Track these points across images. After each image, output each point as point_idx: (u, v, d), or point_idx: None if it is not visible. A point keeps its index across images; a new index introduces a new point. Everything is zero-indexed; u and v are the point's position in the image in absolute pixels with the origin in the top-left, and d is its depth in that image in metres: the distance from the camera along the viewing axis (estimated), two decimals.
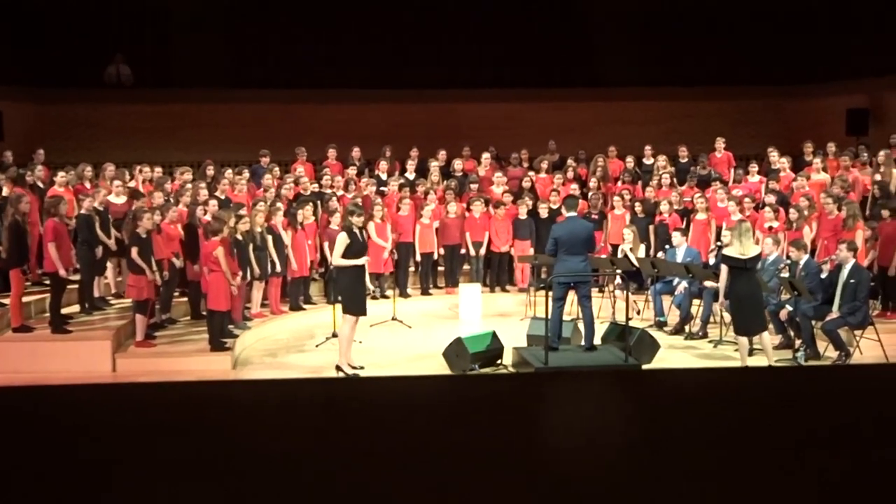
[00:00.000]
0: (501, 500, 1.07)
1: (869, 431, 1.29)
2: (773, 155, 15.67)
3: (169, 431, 1.31)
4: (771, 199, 13.52)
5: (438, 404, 1.44)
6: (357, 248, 10.39)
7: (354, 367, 10.61)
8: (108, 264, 12.71)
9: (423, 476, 1.15)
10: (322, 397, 1.51)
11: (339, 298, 10.78)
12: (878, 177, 14.03)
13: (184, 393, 1.51)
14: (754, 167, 15.64)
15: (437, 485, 1.13)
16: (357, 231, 10.41)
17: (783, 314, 11.07)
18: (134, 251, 10.80)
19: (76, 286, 12.13)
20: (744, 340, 10.27)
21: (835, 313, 10.73)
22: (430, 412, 1.40)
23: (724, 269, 10.28)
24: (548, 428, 1.30)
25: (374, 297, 14.01)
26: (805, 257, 11.27)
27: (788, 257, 11.65)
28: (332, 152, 16.51)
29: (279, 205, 13.16)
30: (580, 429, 1.30)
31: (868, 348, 10.71)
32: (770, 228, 12.76)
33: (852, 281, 10.70)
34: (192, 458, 1.21)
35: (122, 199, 12.95)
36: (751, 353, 10.49)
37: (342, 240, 10.27)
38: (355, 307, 10.39)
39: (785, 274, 11.29)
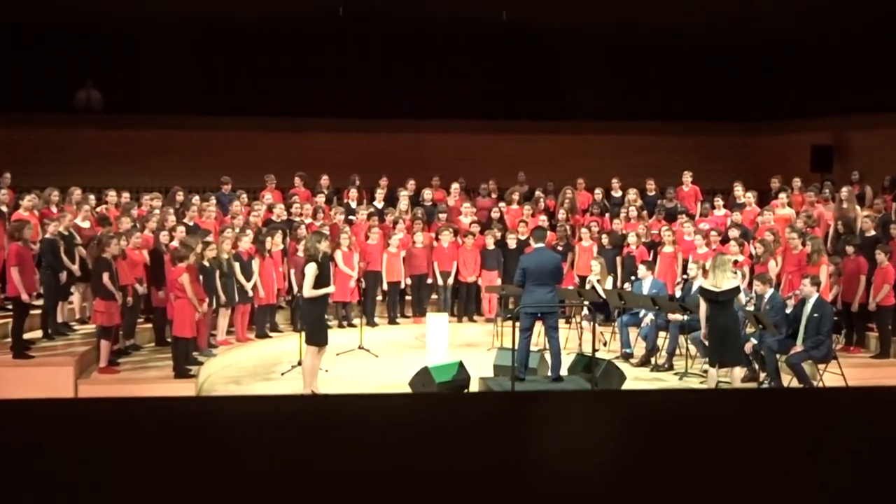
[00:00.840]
0: None
1: (843, 452, 1.30)
2: (738, 189, 15.85)
3: (131, 450, 1.28)
4: (735, 232, 13.66)
5: (416, 422, 1.43)
6: (325, 277, 10.38)
7: None
8: (74, 290, 12.58)
9: (403, 494, 1.14)
10: (296, 414, 1.49)
11: (303, 328, 10.74)
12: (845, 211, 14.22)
13: (147, 409, 1.49)
14: (720, 201, 15.80)
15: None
16: (324, 259, 10.40)
17: (748, 347, 11.14)
18: (105, 276, 10.70)
19: (39, 311, 11.98)
20: (713, 372, 10.33)
21: (799, 347, 10.83)
22: (409, 429, 1.39)
23: (701, 301, 10.40)
24: (531, 446, 1.30)
25: (340, 326, 14.00)
26: (770, 291, 11.37)
27: (753, 291, 11.75)
28: (297, 180, 16.47)
29: (248, 231, 13.11)
30: (562, 446, 1.30)
31: (831, 382, 10.80)
32: (735, 262, 12.87)
33: (816, 315, 10.81)
34: (155, 478, 1.19)
35: (89, 224, 12.84)
36: (717, 386, 10.54)
37: (312, 270, 10.21)
38: (319, 338, 10.35)
39: (750, 307, 11.38)
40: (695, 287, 12.37)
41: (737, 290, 10.23)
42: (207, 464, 1.24)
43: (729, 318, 10.14)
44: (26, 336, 11.32)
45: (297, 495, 1.14)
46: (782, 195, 15.10)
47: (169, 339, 11.49)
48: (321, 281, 10.34)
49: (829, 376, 10.88)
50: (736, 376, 10.28)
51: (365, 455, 1.27)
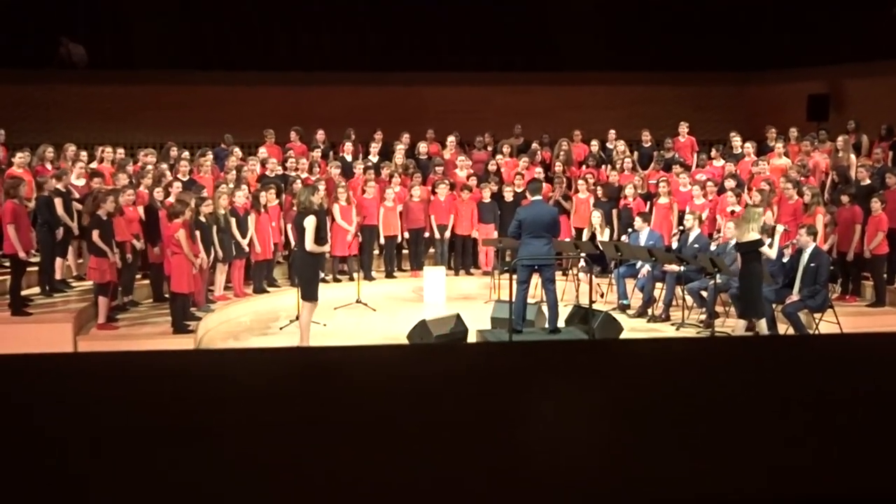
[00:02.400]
0: (480, 477, 1.07)
1: (841, 397, 1.31)
2: (736, 140, 15.80)
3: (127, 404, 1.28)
4: (731, 183, 13.65)
5: (414, 377, 1.43)
6: (323, 231, 10.34)
7: None
8: (71, 247, 12.57)
9: (401, 450, 1.14)
10: (293, 366, 1.49)
11: (299, 283, 10.75)
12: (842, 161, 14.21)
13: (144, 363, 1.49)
14: (716, 151, 15.76)
15: (418, 460, 1.12)
16: (320, 213, 10.36)
17: None
18: (95, 234, 10.67)
19: (36, 268, 11.98)
20: (740, 323, 10.38)
21: (795, 296, 10.88)
22: (405, 383, 1.40)
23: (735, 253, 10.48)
24: (524, 400, 1.30)
25: (337, 280, 14.03)
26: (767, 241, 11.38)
27: None
28: (293, 135, 16.40)
29: (243, 186, 13.08)
30: (557, 400, 1.30)
31: (827, 331, 10.87)
32: (732, 213, 12.87)
33: (812, 265, 10.84)
34: (154, 431, 1.19)
35: (83, 181, 12.79)
36: None
37: (312, 223, 10.15)
38: (314, 293, 10.34)
39: None
40: (691, 238, 12.40)
41: (758, 243, 10.17)
42: (202, 417, 1.24)
43: (752, 271, 10.12)
44: (24, 293, 11.33)
45: (289, 447, 1.14)
46: (778, 145, 15.06)
47: (167, 295, 11.50)
48: (319, 234, 10.31)
49: (825, 325, 10.95)
50: (762, 330, 10.29)
51: (359, 405, 1.28)
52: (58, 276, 12.29)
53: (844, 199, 12.40)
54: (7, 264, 11.36)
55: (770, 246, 10.39)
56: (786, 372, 1.43)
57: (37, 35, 19.39)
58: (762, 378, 1.40)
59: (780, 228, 11.07)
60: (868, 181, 13.03)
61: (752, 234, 10.12)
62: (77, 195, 12.36)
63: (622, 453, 1.12)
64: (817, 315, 10.93)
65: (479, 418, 1.20)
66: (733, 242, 11.82)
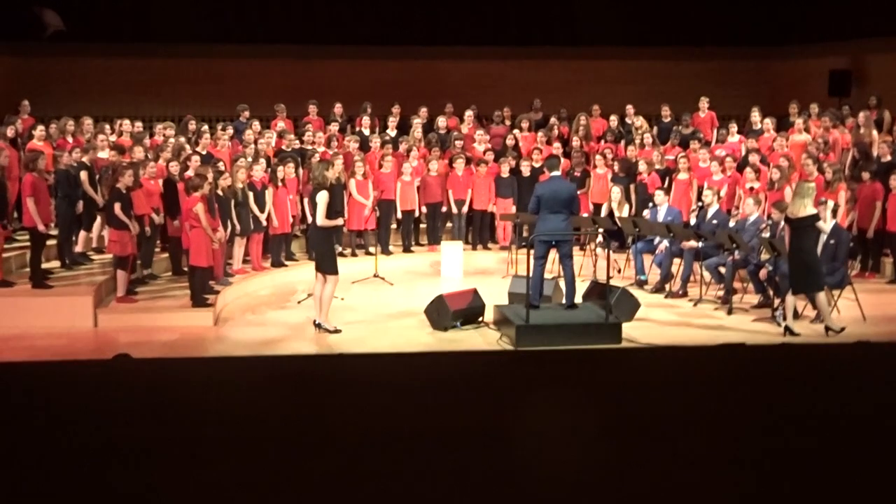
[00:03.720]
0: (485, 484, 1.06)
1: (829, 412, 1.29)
2: (755, 115, 15.68)
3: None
4: (755, 158, 13.55)
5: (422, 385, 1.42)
6: (337, 205, 10.33)
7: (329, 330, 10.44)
8: (98, 219, 12.62)
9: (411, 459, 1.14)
10: (306, 375, 1.48)
11: (314, 257, 10.77)
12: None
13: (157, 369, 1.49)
14: (734, 127, 15.66)
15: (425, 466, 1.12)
16: (334, 187, 10.33)
17: (762, 274, 11.15)
18: (117, 206, 10.73)
19: (55, 241, 12.05)
20: (790, 300, 10.28)
21: None
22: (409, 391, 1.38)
23: (786, 229, 10.40)
24: (529, 408, 1.30)
25: (354, 255, 14.06)
26: None
27: (769, 217, 11.72)
28: (312, 108, 16.39)
29: (261, 160, 13.10)
30: (560, 409, 1.29)
31: (846, 308, 10.83)
32: (751, 189, 12.80)
33: (832, 242, 10.77)
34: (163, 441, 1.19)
35: (105, 154, 12.84)
36: (797, 315, 10.50)
37: (324, 198, 10.16)
38: (330, 266, 10.32)
39: (766, 234, 11.37)
40: (710, 214, 12.34)
41: (814, 217, 10.08)
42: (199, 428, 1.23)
43: (805, 247, 10.04)
44: (44, 266, 11.39)
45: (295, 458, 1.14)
46: (798, 121, 14.95)
47: (185, 269, 11.56)
48: (333, 209, 10.32)
49: (844, 302, 10.90)
50: (821, 304, 10.20)
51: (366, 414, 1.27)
52: (79, 249, 12.36)
53: (865, 175, 12.32)
54: (24, 238, 11.41)
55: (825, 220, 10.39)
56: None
57: (59, 6, 19.34)
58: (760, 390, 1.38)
59: (830, 204, 10.99)
60: (889, 157, 12.92)
61: (809, 209, 10.02)
62: (96, 169, 12.41)
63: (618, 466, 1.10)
64: (836, 292, 10.87)
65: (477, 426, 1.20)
66: (754, 218, 11.78)
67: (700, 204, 12.87)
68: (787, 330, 10.10)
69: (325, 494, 1.03)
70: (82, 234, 12.45)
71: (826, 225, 10.48)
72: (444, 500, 1.03)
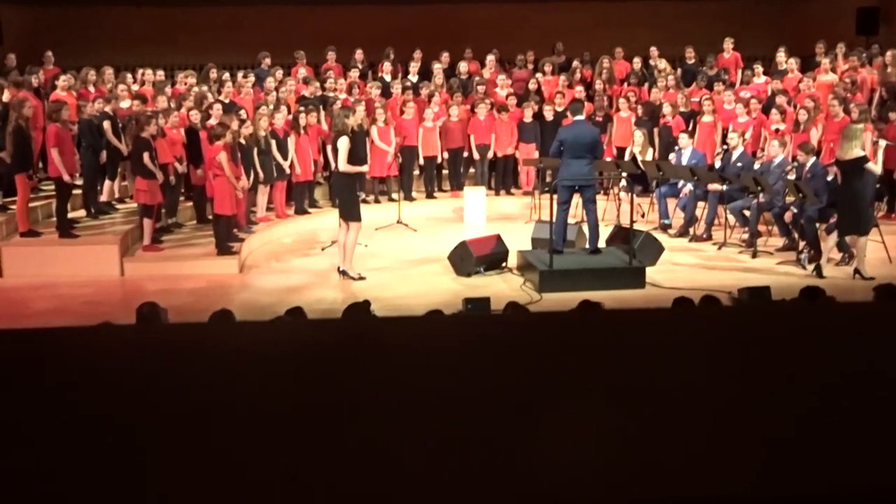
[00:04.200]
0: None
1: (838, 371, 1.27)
2: (781, 55, 15.45)
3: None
4: (781, 99, 13.38)
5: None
6: (360, 152, 10.31)
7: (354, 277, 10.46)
8: (119, 168, 12.68)
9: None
10: (327, 339, 1.46)
11: (337, 204, 10.79)
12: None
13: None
14: (759, 68, 15.45)
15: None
16: (356, 133, 10.31)
17: (788, 216, 11.08)
18: (146, 156, 10.80)
19: (80, 191, 12.13)
20: (831, 241, 10.32)
21: None
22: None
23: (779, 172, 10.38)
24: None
25: (377, 201, 14.06)
26: (812, 160, 11.22)
27: (795, 159, 11.61)
28: (331, 55, 16.29)
29: (283, 108, 13.07)
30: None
31: (872, 250, 10.74)
32: (777, 131, 12.66)
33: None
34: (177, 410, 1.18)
35: (127, 104, 12.87)
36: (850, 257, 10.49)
37: (345, 144, 10.16)
38: (353, 213, 10.34)
39: (791, 176, 11.27)
40: (735, 156, 12.23)
41: (863, 159, 10.02)
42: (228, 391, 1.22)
43: (855, 188, 9.99)
44: (70, 216, 11.49)
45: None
46: (825, 60, 14.72)
47: (210, 217, 11.62)
48: (355, 155, 10.31)
49: (870, 244, 10.81)
50: (860, 247, 10.18)
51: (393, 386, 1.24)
52: (104, 198, 12.44)
53: (893, 115, 12.15)
54: (53, 188, 11.50)
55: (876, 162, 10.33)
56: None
57: None
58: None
59: (882, 143, 10.90)
60: None
61: (857, 151, 9.96)
62: (119, 119, 12.44)
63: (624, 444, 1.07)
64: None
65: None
66: (779, 160, 11.68)
67: (725, 147, 12.77)
68: (857, 272, 10.09)
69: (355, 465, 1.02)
70: (107, 183, 12.53)
71: (876, 167, 10.37)
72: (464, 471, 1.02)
